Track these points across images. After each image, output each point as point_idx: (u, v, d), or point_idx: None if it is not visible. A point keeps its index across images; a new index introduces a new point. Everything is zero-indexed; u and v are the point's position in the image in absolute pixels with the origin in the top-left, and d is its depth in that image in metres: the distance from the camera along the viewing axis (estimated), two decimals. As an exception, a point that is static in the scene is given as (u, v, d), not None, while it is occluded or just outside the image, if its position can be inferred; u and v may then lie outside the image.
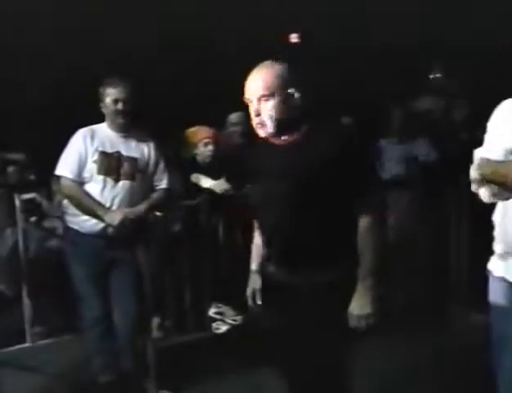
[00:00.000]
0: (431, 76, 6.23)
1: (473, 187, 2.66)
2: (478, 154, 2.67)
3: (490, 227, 2.78)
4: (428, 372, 4.26)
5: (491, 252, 2.80)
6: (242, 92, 2.82)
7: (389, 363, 4.30)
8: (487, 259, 2.83)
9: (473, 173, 2.64)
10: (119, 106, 4.02)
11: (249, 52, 4.96)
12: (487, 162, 2.60)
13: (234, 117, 5.36)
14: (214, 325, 4.82)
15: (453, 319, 5.22)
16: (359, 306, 2.77)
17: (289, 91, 2.75)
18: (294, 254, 2.80)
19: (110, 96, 4.01)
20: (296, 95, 2.77)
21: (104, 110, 4.07)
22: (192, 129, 4.99)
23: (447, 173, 5.43)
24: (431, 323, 5.00)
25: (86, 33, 6.47)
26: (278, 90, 2.73)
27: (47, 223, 5.36)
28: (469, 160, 2.66)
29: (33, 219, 5.27)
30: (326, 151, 2.70)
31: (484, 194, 2.64)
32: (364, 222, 2.73)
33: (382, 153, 5.56)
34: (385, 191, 3.03)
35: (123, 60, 6.06)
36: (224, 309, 4.74)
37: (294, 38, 7.94)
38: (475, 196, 2.71)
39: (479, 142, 2.74)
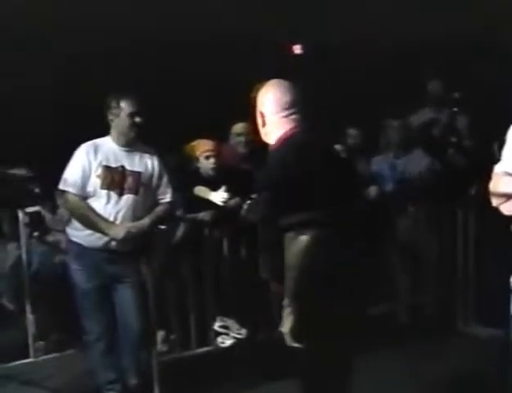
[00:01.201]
0: (430, 87, 6.21)
1: (495, 203, 2.63)
2: (499, 169, 2.65)
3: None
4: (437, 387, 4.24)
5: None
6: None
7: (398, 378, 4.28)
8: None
9: (495, 188, 2.62)
10: (137, 119, 3.99)
11: (252, 63, 4.98)
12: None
13: (238, 128, 5.35)
14: (219, 339, 4.79)
15: (460, 334, 5.21)
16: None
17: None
18: None
19: (126, 109, 3.97)
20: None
21: (114, 124, 4.02)
22: (193, 143, 4.98)
23: (452, 184, 5.43)
24: (438, 337, 4.98)
25: (88, 46, 6.47)
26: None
27: (50, 238, 5.35)
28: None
29: (36, 233, 5.26)
30: None
31: (508, 209, 2.59)
32: None
33: (380, 168, 5.54)
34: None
35: (124, 72, 6.06)
36: (229, 322, 4.72)
37: (297, 49, 7.93)
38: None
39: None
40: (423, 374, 4.35)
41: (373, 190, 5.33)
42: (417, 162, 5.51)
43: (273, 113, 2.95)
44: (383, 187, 5.39)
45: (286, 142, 2.92)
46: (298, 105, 2.94)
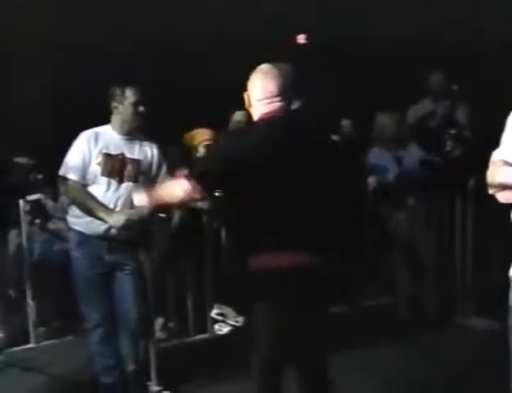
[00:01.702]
0: (430, 79, 6.22)
1: (491, 191, 2.58)
2: (497, 157, 2.58)
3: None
4: (437, 379, 4.27)
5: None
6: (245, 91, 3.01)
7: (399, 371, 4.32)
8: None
9: (492, 177, 2.56)
10: (140, 108, 4.04)
11: (251, 51, 4.99)
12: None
13: (238, 115, 5.37)
14: (216, 326, 4.84)
15: (458, 325, 5.24)
16: None
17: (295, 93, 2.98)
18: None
19: (130, 98, 4.01)
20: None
21: (117, 111, 4.05)
22: (192, 132, 5.02)
23: (450, 176, 5.45)
24: (437, 329, 5.02)
25: (90, 34, 6.50)
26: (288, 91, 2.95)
27: (51, 225, 5.39)
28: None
29: (37, 221, 5.30)
30: None
31: (505, 197, 2.53)
32: None
33: (376, 160, 5.56)
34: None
35: (127, 61, 6.08)
36: (226, 310, 4.75)
37: (301, 39, 7.91)
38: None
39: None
40: (422, 367, 4.39)
41: (372, 181, 5.36)
42: (414, 155, 5.53)
43: (256, 99, 2.99)
44: (381, 180, 5.41)
45: (255, 126, 3.00)
46: (284, 93, 2.96)
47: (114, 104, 4.06)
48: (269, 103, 2.96)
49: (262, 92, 2.97)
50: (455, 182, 5.42)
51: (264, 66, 3.03)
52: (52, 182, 5.18)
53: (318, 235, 2.93)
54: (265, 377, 3.03)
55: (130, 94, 4.02)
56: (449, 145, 5.91)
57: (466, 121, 6.13)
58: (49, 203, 5.40)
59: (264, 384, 3.03)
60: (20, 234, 5.04)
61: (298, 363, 3.10)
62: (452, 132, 5.94)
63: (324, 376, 3.11)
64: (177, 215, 4.80)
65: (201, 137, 4.95)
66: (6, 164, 5.55)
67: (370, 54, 6.57)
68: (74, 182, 4.02)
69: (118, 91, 4.03)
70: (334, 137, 5.34)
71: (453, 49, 6.54)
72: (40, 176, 5.54)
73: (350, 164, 3.52)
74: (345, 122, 5.97)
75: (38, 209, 5.29)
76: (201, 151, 4.95)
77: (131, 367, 4.18)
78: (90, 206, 4.01)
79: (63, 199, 5.08)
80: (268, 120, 2.96)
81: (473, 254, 5.42)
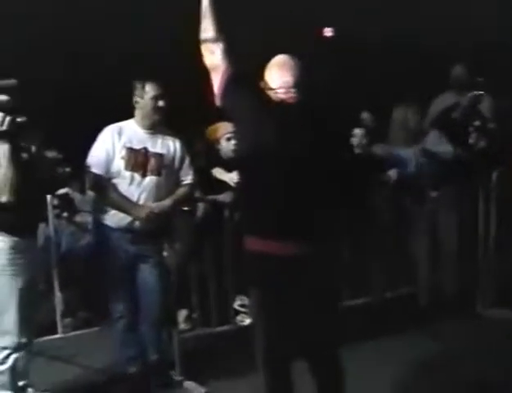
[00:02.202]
0: (453, 72, 6.19)
1: None
2: None
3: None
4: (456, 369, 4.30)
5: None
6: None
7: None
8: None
9: None
10: (160, 103, 4.10)
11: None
12: None
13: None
14: (239, 318, 4.89)
15: (480, 316, 5.24)
16: None
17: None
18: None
19: (150, 92, 4.09)
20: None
21: (138, 106, 4.13)
22: (214, 126, 5.07)
23: (474, 167, 5.43)
24: (458, 320, 5.03)
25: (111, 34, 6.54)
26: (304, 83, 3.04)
27: (78, 218, 5.47)
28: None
29: (65, 214, 5.38)
30: None
31: None
32: None
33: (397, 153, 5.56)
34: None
35: (142, 59, 6.11)
36: (247, 301, 4.79)
37: (327, 32, 7.88)
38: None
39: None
40: (441, 356, 4.41)
41: (393, 173, 5.37)
42: (436, 144, 5.52)
43: (272, 87, 3.08)
44: (404, 171, 5.41)
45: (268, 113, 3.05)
46: (299, 84, 3.04)
47: (135, 98, 4.14)
48: (284, 92, 3.04)
49: (278, 82, 3.05)
50: (480, 173, 5.41)
51: (281, 57, 3.11)
52: (79, 175, 5.26)
53: (311, 224, 3.01)
54: (269, 368, 3.08)
55: (150, 89, 4.09)
56: (473, 137, 5.87)
57: (491, 113, 6.08)
58: (77, 196, 5.48)
59: (269, 375, 3.08)
60: (47, 227, 5.13)
61: (302, 354, 3.14)
62: (477, 124, 5.91)
63: (333, 365, 3.15)
64: (200, 208, 4.85)
65: (224, 130, 5.00)
66: (35, 158, 5.62)
67: (391, 47, 6.55)
68: (99, 175, 4.11)
69: (138, 86, 4.12)
70: (356, 130, 5.39)
71: (478, 41, 6.49)
72: (68, 169, 5.62)
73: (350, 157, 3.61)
74: (365, 115, 5.98)
75: (65, 202, 5.37)
76: (223, 143, 5.00)
77: (154, 356, 4.27)
78: (114, 200, 4.10)
79: (90, 192, 5.17)
80: (281, 109, 3.05)
81: (494, 245, 5.41)
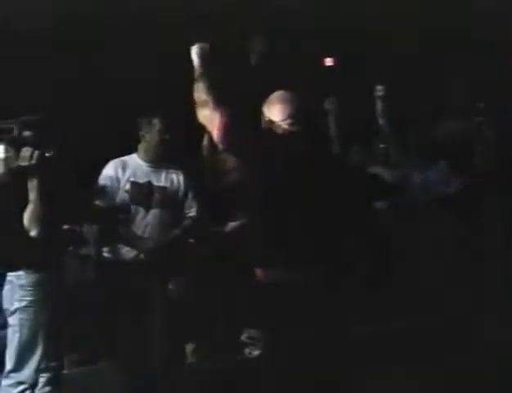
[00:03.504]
0: (453, 98, 6.22)
1: None
2: None
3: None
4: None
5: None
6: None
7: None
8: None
9: None
10: (167, 136, 4.14)
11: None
12: None
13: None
14: (247, 350, 4.85)
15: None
16: None
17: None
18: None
19: (157, 126, 4.15)
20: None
21: (144, 140, 4.19)
22: (219, 157, 5.06)
23: (479, 195, 5.41)
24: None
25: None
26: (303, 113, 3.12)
27: (83, 251, 5.44)
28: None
29: (70, 247, 5.36)
30: None
31: None
32: None
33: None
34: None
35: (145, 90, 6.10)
36: (255, 333, 4.76)
37: (328, 61, 7.93)
38: None
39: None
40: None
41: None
42: (441, 175, 5.51)
43: (275, 120, 3.12)
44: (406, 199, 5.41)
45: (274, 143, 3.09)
46: (299, 115, 3.10)
47: (141, 133, 4.17)
48: (288, 124, 3.09)
49: (280, 115, 3.10)
50: (484, 200, 5.39)
51: (281, 92, 3.19)
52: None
53: (326, 253, 3.02)
54: None
55: (157, 123, 4.12)
56: (478, 163, 5.87)
57: (494, 138, 6.08)
58: (84, 227, 5.46)
59: None
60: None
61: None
62: (481, 149, 5.91)
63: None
64: (206, 240, 4.84)
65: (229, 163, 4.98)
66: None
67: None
68: (103, 208, 4.11)
69: (146, 120, 4.16)
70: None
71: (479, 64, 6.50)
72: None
73: (356, 183, 3.63)
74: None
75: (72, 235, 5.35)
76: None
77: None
78: (119, 233, 4.10)
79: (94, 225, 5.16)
80: (284, 139, 3.09)
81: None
